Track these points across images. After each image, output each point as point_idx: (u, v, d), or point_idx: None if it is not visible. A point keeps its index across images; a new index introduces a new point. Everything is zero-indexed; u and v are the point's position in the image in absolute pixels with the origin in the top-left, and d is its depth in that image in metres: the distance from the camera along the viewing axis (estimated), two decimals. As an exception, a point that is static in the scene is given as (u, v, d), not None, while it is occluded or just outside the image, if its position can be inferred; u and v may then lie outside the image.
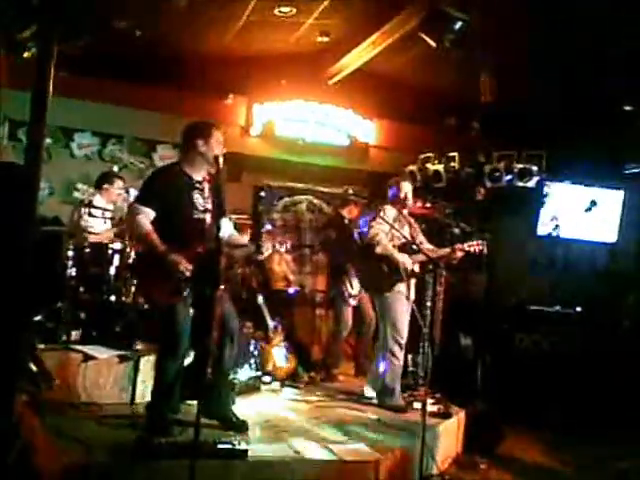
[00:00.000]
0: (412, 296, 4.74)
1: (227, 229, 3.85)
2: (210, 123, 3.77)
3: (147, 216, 3.52)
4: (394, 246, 4.70)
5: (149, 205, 3.54)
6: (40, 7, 2.72)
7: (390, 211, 4.79)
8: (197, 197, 3.66)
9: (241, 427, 3.74)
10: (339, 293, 5.69)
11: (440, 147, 7.40)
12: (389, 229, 4.67)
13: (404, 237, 4.56)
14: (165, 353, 3.64)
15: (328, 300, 6.13)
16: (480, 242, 4.87)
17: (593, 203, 7.35)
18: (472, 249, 4.84)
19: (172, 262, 3.45)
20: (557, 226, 7.32)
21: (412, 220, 5.01)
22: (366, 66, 6.93)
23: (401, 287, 4.70)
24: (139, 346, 4.42)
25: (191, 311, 3.63)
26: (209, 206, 3.69)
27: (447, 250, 4.84)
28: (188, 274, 3.47)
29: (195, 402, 3.36)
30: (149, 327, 4.40)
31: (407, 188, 4.91)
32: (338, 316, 5.75)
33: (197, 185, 3.69)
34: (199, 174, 3.71)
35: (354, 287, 5.59)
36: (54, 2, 2.71)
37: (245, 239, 4.06)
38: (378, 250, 4.64)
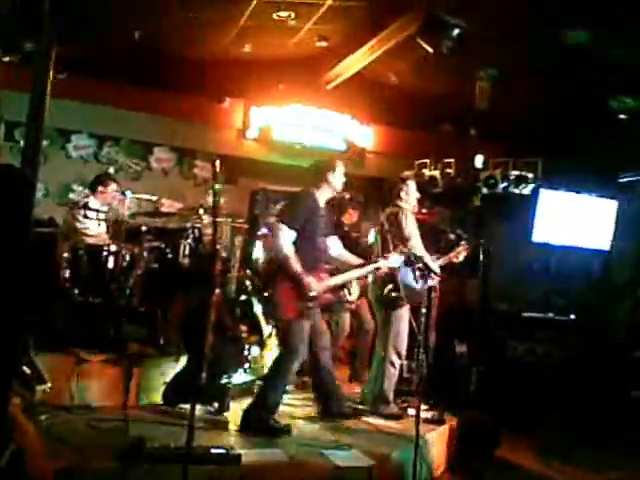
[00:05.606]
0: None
1: (336, 247, 4.29)
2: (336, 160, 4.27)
3: (290, 237, 3.89)
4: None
5: (292, 227, 3.90)
6: (40, 11, 2.71)
7: (411, 217, 4.70)
8: (322, 223, 4.08)
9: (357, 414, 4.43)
10: (338, 299, 5.66)
11: (436, 153, 7.42)
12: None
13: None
14: (287, 359, 4.01)
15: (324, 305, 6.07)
16: (461, 248, 5.01)
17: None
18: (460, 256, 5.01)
19: (306, 284, 3.87)
20: (552, 234, 7.34)
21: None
22: (364, 71, 6.94)
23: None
24: (133, 349, 4.40)
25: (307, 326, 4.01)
26: (327, 230, 4.19)
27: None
28: (315, 295, 3.91)
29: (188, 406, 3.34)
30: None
31: (413, 188, 4.84)
32: (336, 322, 5.73)
33: (323, 212, 4.12)
34: (324, 201, 4.15)
35: (352, 293, 5.57)
36: (54, 6, 2.70)
37: (354, 259, 4.35)
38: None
